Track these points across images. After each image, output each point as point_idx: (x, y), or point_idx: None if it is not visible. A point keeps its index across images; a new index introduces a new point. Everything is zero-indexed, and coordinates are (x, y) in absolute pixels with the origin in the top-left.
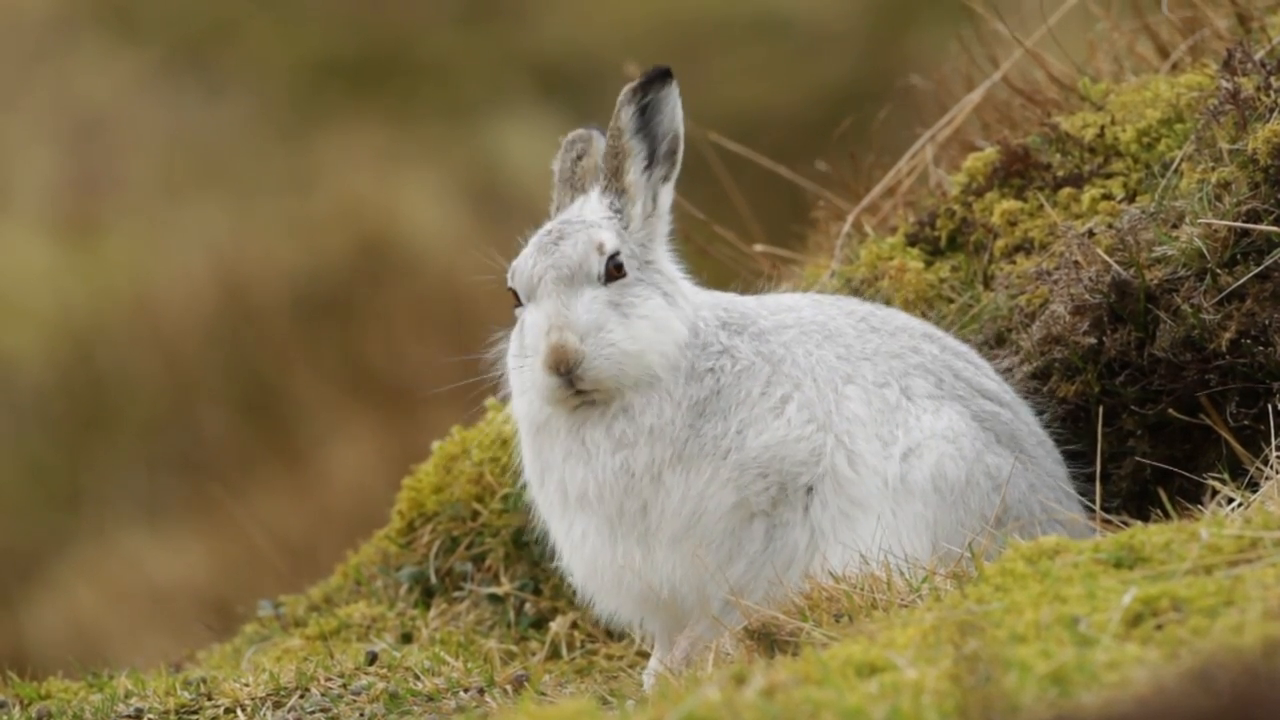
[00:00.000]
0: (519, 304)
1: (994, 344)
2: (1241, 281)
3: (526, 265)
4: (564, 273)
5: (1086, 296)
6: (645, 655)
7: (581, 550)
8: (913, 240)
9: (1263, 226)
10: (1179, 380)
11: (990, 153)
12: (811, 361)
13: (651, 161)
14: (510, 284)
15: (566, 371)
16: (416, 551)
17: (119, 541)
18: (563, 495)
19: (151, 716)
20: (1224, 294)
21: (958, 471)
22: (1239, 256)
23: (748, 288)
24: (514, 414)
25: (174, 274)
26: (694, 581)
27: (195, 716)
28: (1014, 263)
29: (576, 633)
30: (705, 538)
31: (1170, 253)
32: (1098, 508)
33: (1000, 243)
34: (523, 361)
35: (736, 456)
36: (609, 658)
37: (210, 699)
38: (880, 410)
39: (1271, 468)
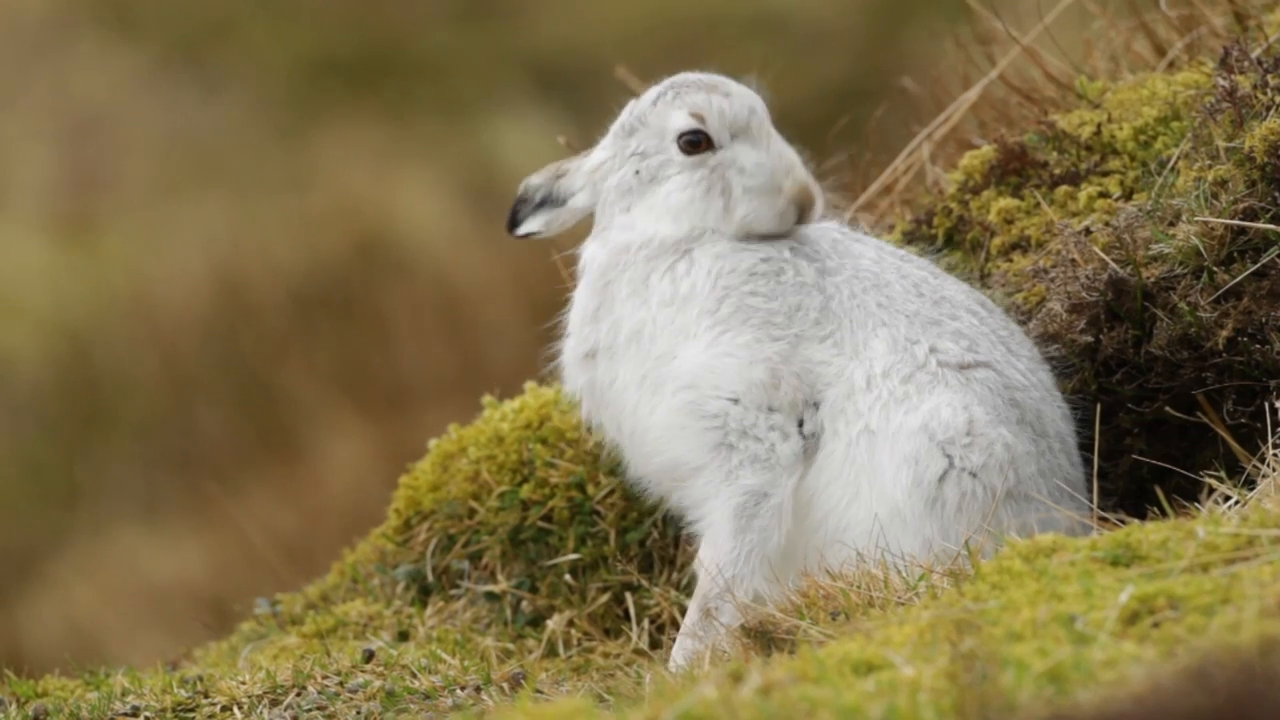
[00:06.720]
0: (701, 150)
1: None
2: (1238, 279)
3: (728, 104)
4: (766, 114)
5: (1083, 294)
6: (642, 654)
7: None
8: (910, 238)
9: (1259, 224)
10: (1176, 378)
11: (987, 151)
12: (853, 304)
13: None
14: (699, 127)
15: (810, 209)
16: (413, 549)
17: (116, 539)
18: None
19: (148, 714)
20: (1221, 292)
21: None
22: (1236, 254)
23: None
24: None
25: (171, 272)
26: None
27: (192, 714)
28: (1011, 261)
29: (573, 631)
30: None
31: (1167, 251)
32: (1094, 505)
33: (997, 241)
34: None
35: (786, 349)
36: (606, 655)
37: (207, 697)
38: (904, 360)
39: (1269, 465)
